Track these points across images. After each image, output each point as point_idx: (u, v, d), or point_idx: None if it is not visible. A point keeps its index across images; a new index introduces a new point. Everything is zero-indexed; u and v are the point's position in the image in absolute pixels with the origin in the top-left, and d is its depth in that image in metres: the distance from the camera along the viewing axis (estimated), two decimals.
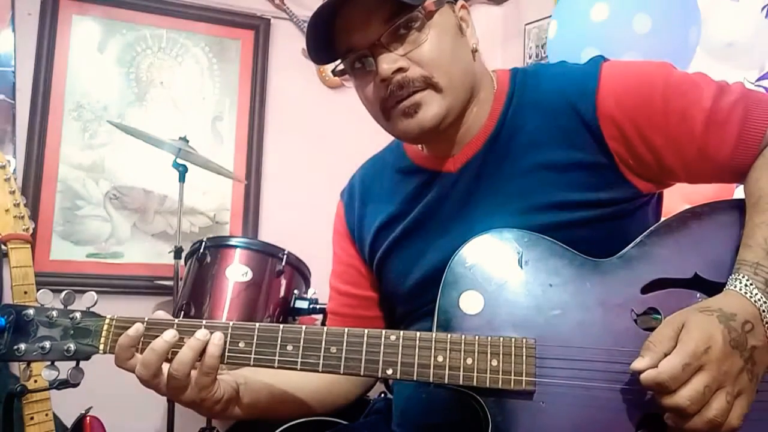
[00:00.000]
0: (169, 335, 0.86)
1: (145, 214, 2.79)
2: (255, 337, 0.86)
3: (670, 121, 0.89)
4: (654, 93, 0.90)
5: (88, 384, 1.58)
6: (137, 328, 0.87)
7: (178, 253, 2.26)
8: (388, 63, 0.91)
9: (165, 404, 2.20)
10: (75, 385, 1.67)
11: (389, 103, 0.93)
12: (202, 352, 0.85)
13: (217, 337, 0.86)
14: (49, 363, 0.89)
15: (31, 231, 1.74)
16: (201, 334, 0.86)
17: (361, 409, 1.30)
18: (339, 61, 0.96)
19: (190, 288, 2.09)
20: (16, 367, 1.75)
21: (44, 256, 2.60)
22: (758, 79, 1.90)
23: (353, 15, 0.91)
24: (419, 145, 1.05)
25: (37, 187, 2.61)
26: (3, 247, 1.72)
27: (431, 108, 0.93)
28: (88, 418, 1.99)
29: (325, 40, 0.93)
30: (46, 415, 1.71)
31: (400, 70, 0.91)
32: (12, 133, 2.60)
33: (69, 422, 2.01)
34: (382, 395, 2.03)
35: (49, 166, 2.64)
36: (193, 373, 0.86)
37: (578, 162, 0.92)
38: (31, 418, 1.69)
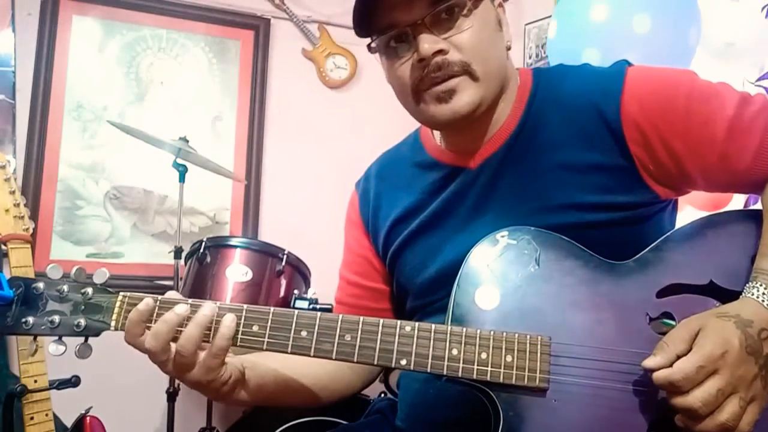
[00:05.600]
0: (182, 308, 0.86)
1: (145, 214, 2.79)
2: (269, 321, 0.86)
3: (692, 127, 0.90)
4: (678, 99, 0.90)
5: (88, 384, 1.59)
6: (147, 303, 0.86)
7: (178, 253, 2.26)
8: (429, 43, 0.90)
9: (165, 404, 2.21)
10: (75, 385, 1.67)
11: (423, 85, 0.93)
12: (209, 329, 0.85)
13: (229, 319, 0.85)
14: (56, 338, 0.87)
15: (31, 231, 1.74)
16: (207, 309, 0.86)
17: (361, 409, 1.30)
18: (375, 37, 0.95)
19: (190, 288, 2.09)
20: (17, 367, 1.75)
21: (44, 256, 2.60)
22: (758, 79, 1.90)
23: None
24: (439, 140, 1.06)
25: (37, 187, 2.61)
26: (3, 247, 1.72)
27: (466, 95, 0.92)
28: (88, 418, 1.98)
29: (366, 13, 0.93)
30: (46, 415, 1.71)
31: (440, 51, 0.91)
32: (12, 133, 2.59)
33: (69, 422, 2.01)
34: (383, 395, 2.03)
35: (49, 166, 2.64)
36: (202, 354, 0.86)
37: (598, 164, 0.93)
38: (31, 418, 1.69)
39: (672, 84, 0.92)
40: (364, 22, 0.94)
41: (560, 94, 0.97)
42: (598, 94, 0.94)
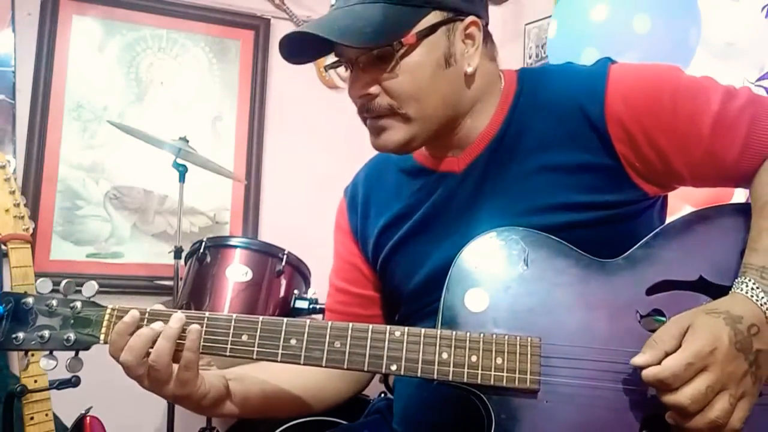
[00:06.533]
0: (158, 326, 0.86)
1: (145, 214, 2.79)
2: (258, 330, 0.86)
3: (677, 123, 0.89)
4: (662, 96, 0.90)
5: (88, 384, 1.59)
6: (133, 315, 0.87)
7: (178, 253, 2.26)
8: (356, 88, 0.93)
9: (165, 404, 2.21)
10: (75, 385, 1.67)
11: (361, 115, 0.96)
12: (182, 340, 0.85)
13: (194, 331, 0.86)
14: (47, 352, 0.88)
15: (31, 231, 1.74)
16: (174, 321, 0.86)
17: (361, 409, 1.30)
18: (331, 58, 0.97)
19: (190, 288, 2.09)
20: (17, 367, 1.75)
21: (44, 256, 2.60)
22: (758, 79, 1.89)
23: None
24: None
25: (37, 187, 2.61)
26: (3, 247, 1.72)
27: (395, 134, 0.94)
28: (88, 418, 1.98)
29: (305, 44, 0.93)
30: (46, 415, 1.72)
31: (368, 95, 0.92)
32: (12, 133, 2.59)
33: (69, 422, 2.01)
34: (382, 395, 2.03)
35: (49, 166, 2.64)
36: (176, 367, 0.86)
37: (585, 164, 0.92)
38: (31, 418, 1.69)
39: (656, 81, 0.92)
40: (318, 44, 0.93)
41: (544, 96, 0.97)
42: (582, 94, 0.93)
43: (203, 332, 0.87)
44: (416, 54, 0.90)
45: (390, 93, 0.91)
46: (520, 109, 0.98)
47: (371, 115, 0.94)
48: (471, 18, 0.94)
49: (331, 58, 0.97)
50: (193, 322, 0.87)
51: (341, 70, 0.98)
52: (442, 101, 0.94)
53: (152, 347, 0.85)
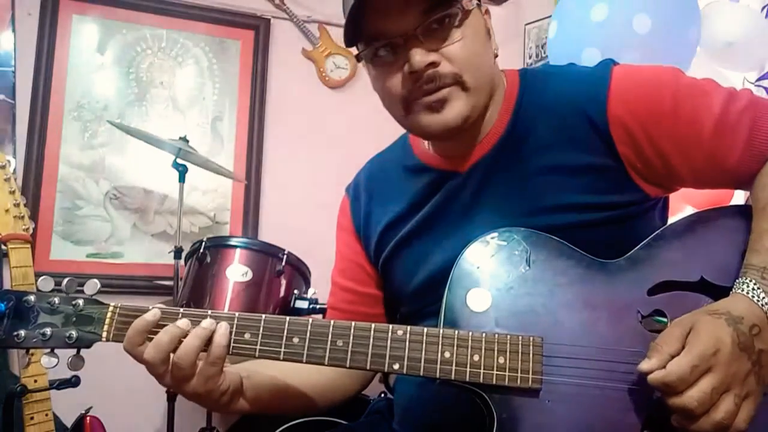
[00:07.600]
0: (183, 323, 0.86)
1: (145, 214, 2.79)
2: (261, 329, 0.86)
3: (679, 125, 0.90)
4: (664, 97, 0.90)
5: (88, 384, 1.59)
6: (155, 314, 0.87)
7: (178, 253, 2.26)
8: (421, 56, 0.89)
9: (165, 404, 2.21)
10: (75, 385, 1.67)
11: (414, 95, 0.92)
12: (208, 342, 0.85)
13: (224, 327, 0.86)
14: (48, 350, 0.88)
15: (31, 231, 1.75)
16: (207, 323, 0.86)
17: (361, 409, 1.30)
18: (362, 47, 0.94)
19: (190, 288, 2.09)
20: (17, 367, 1.75)
21: (44, 256, 2.60)
22: (758, 79, 1.90)
23: (391, 1, 0.88)
24: (427, 144, 1.05)
25: (37, 187, 2.61)
26: (3, 247, 1.72)
27: (457, 106, 0.91)
28: (88, 418, 1.99)
29: (355, 20, 0.90)
30: (46, 415, 1.72)
31: (432, 64, 0.89)
32: (12, 133, 2.59)
33: (69, 422, 2.01)
34: (382, 395, 2.03)
35: (49, 166, 2.64)
36: (200, 363, 0.86)
37: (587, 165, 0.93)
38: (31, 418, 1.69)
39: (658, 83, 0.92)
40: (354, 31, 0.91)
41: (546, 97, 0.97)
42: (584, 96, 0.94)
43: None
44: (472, 20, 0.93)
45: (452, 59, 0.90)
46: (524, 110, 0.98)
47: (435, 85, 0.90)
48: (486, 7, 0.98)
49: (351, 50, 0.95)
50: (198, 320, 0.87)
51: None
52: (490, 72, 0.96)
53: (177, 345, 0.85)
